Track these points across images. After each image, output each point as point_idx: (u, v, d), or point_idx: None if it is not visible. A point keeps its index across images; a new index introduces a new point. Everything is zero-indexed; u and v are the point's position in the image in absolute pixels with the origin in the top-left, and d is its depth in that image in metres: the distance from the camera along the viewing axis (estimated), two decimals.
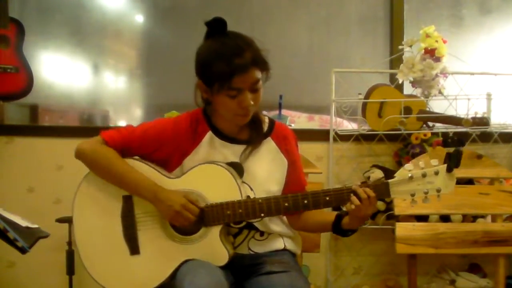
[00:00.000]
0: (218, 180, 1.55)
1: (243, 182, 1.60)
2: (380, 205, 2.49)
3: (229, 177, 1.55)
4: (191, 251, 1.54)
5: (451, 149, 1.49)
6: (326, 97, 2.69)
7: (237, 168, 1.60)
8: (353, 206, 1.48)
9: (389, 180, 1.49)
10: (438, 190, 1.47)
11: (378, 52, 2.95)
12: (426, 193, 1.48)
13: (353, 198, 1.47)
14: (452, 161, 1.44)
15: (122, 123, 3.00)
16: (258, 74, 1.51)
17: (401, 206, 2.07)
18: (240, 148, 1.62)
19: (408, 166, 1.48)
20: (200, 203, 1.54)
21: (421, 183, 1.47)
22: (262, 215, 1.54)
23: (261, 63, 1.52)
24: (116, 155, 1.59)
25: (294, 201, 1.53)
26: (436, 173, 1.47)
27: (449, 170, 1.46)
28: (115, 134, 1.62)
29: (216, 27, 1.53)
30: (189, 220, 1.51)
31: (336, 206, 1.61)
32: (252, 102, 1.52)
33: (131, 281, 1.59)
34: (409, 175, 1.48)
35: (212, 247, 1.53)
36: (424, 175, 1.47)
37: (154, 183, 1.56)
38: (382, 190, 1.49)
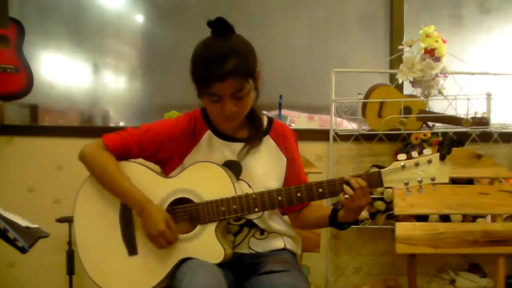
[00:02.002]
0: (213, 178, 1.56)
1: (242, 180, 1.61)
2: (380, 205, 2.50)
3: (223, 174, 1.55)
4: (187, 250, 1.55)
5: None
6: (326, 97, 2.69)
7: (235, 166, 1.61)
8: (346, 196, 1.48)
9: (382, 170, 1.50)
10: (433, 179, 1.46)
11: (378, 52, 2.95)
12: (420, 181, 1.47)
13: (346, 188, 1.48)
14: (444, 149, 1.44)
15: (122, 123, 3.00)
16: (240, 84, 1.49)
17: (401, 206, 2.07)
18: (238, 146, 1.63)
19: (401, 156, 1.49)
20: (191, 202, 1.56)
21: (414, 172, 1.47)
22: (257, 209, 1.54)
23: (244, 73, 1.49)
24: (112, 162, 1.60)
25: (287, 195, 1.53)
26: (429, 161, 1.46)
27: (442, 158, 1.45)
28: (115, 138, 1.63)
29: (215, 27, 1.54)
30: (161, 247, 1.54)
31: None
32: (235, 109, 1.52)
33: (129, 281, 1.59)
34: (402, 164, 1.48)
35: (208, 244, 1.54)
36: (417, 164, 1.47)
37: (142, 197, 1.56)
38: (375, 179, 1.49)
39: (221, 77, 1.46)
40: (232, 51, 1.49)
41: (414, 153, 1.48)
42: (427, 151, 1.48)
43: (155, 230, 1.52)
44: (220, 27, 1.53)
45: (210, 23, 1.53)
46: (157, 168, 1.68)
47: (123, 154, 1.63)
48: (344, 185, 1.49)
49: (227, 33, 1.54)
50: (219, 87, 1.48)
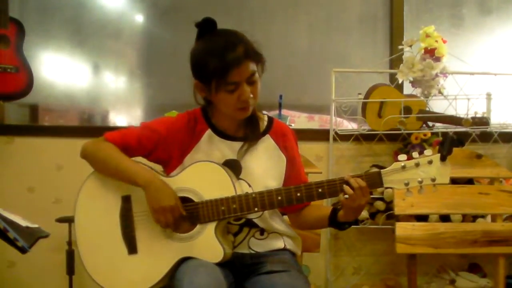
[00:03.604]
0: (213, 178, 1.56)
1: (241, 179, 1.61)
2: (380, 205, 2.50)
3: (223, 173, 1.56)
4: (186, 249, 1.55)
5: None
6: (326, 97, 2.69)
7: (235, 165, 1.61)
8: (346, 196, 1.48)
9: (382, 170, 1.50)
10: (433, 180, 1.46)
11: (378, 52, 2.95)
12: (420, 182, 1.46)
13: (346, 187, 1.48)
14: (445, 149, 1.44)
15: (122, 123, 3.00)
16: (253, 66, 1.53)
17: (401, 206, 2.07)
18: (238, 145, 1.63)
19: (401, 156, 1.49)
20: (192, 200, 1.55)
21: (415, 172, 1.47)
22: (256, 209, 1.54)
23: (254, 55, 1.54)
24: (114, 148, 1.61)
25: (287, 194, 1.54)
26: (430, 162, 1.46)
27: (442, 159, 1.45)
28: (116, 134, 1.65)
29: (206, 27, 1.57)
30: (166, 224, 1.53)
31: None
32: (251, 95, 1.54)
33: (128, 280, 1.59)
34: (402, 164, 1.48)
35: (207, 243, 1.54)
36: (417, 165, 1.47)
37: (148, 172, 1.57)
38: (374, 179, 1.49)
39: (238, 61, 1.49)
40: (237, 37, 1.54)
41: (415, 154, 1.48)
42: (427, 151, 1.47)
43: (165, 203, 1.51)
44: (211, 25, 1.57)
45: (199, 24, 1.57)
46: (158, 167, 1.68)
47: (123, 149, 1.62)
48: (344, 185, 1.49)
49: (216, 29, 1.57)
50: (236, 73, 1.50)
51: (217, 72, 1.50)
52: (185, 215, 1.54)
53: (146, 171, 1.57)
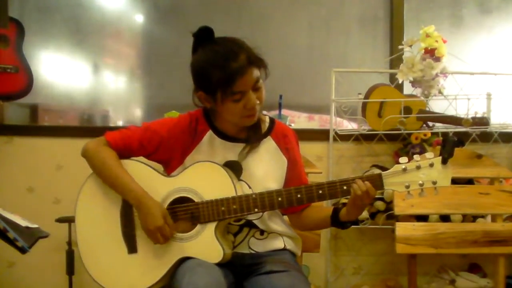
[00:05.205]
0: (213, 178, 1.56)
1: (242, 180, 1.61)
2: (380, 205, 2.49)
3: (224, 174, 1.56)
4: (186, 249, 1.55)
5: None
6: (326, 97, 2.69)
7: (236, 167, 1.61)
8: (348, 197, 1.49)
9: (382, 172, 1.49)
10: (434, 182, 1.46)
11: (378, 52, 2.95)
12: (421, 185, 1.46)
13: (355, 186, 1.47)
14: (446, 151, 1.44)
15: (122, 123, 3.00)
16: (257, 73, 1.53)
17: (401, 206, 2.07)
18: (239, 147, 1.63)
19: (402, 159, 1.48)
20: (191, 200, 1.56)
21: (416, 175, 1.46)
22: (256, 210, 1.54)
23: (257, 61, 1.54)
24: (113, 157, 1.61)
25: (287, 196, 1.54)
26: (431, 165, 1.46)
27: (444, 162, 1.45)
28: (117, 136, 1.65)
29: (204, 36, 1.56)
30: (158, 242, 1.54)
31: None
32: (257, 101, 1.54)
33: (128, 279, 1.59)
34: (403, 167, 1.47)
35: (207, 244, 1.54)
36: (418, 167, 1.46)
37: (141, 191, 1.56)
38: (375, 182, 1.49)
39: (242, 70, 1.49)
40: (237, 45, 1.53)
41: (416, 156, 1.48)
42: (429, 154, 1.47)
43: (152, 225, 1.52)
44: (208, 34, 1.56)
45: (196, 34, 1.56)
46: (159, 167, 1.68)
47: (124, 151, 1.63)
48: (354, 184, 1.48)
49: (214, 38, 1.56)
50: (241, 82, 1.49)
51: (222, 83, 1.49)
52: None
53: (138, 191, 1.56)
